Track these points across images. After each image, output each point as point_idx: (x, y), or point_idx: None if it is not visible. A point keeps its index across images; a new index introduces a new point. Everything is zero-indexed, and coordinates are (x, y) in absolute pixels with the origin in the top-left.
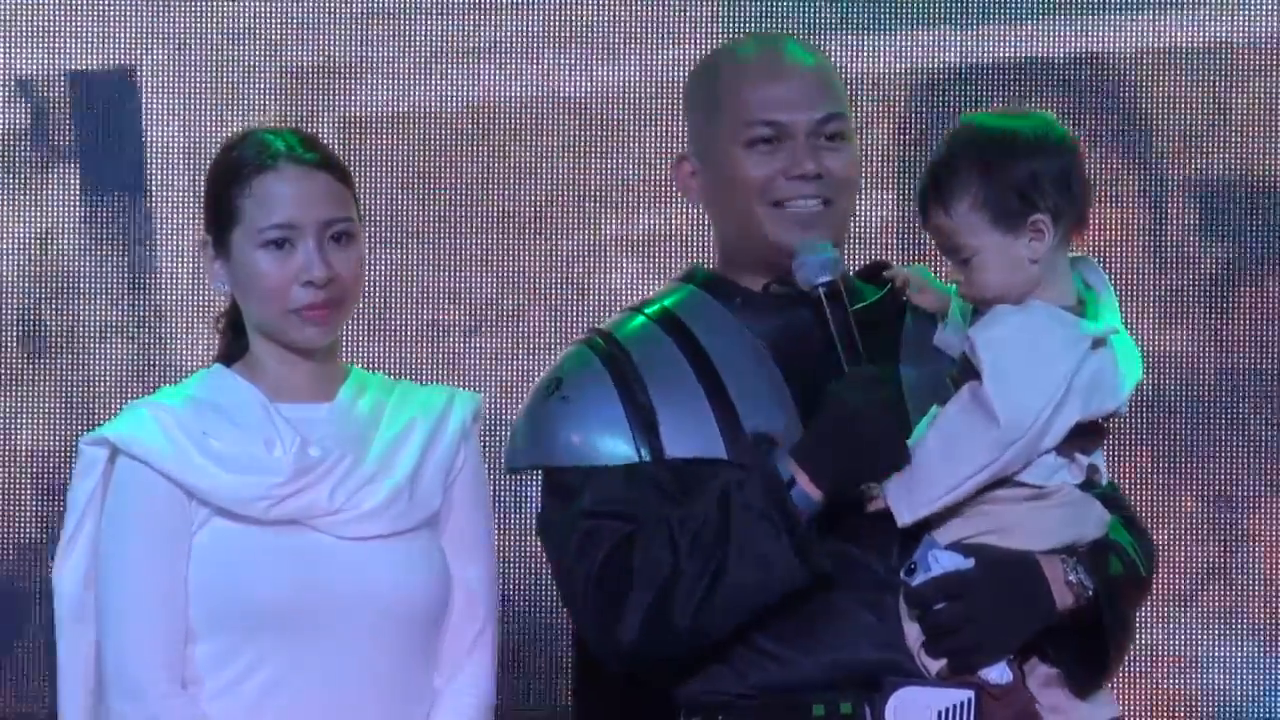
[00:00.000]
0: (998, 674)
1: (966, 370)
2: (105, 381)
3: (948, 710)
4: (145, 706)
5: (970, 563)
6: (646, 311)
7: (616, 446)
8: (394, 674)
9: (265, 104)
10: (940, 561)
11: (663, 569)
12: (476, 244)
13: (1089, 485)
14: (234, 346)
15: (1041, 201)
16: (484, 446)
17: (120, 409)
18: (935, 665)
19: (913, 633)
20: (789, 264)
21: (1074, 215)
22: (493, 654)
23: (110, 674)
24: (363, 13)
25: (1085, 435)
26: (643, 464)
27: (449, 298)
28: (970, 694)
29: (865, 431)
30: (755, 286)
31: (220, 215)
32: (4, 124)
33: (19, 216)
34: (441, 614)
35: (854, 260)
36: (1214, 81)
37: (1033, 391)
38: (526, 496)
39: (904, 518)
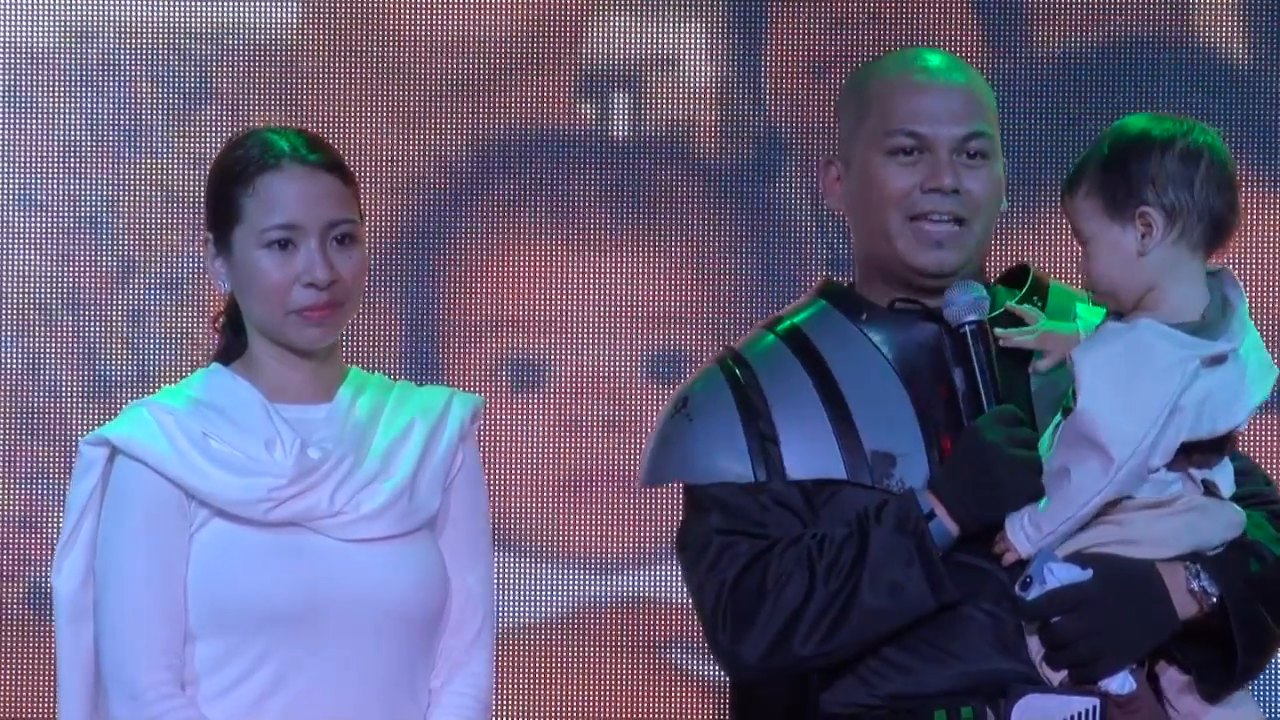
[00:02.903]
0: (1119, 684)
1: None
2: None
3: (1073, 718)
4: (144, 708)
5: (1088, 574)
6: (777, 330)
7: (733, 465)
8: (392, 676)
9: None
10: (1055, 574)
11: (797, 591)
12: (476, 246)
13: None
14: (232, 345)
15: (1151, 194)
16: (482, 448)
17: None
18: (1056, 676)
19: (1034, 643)
20: (916, 281)
21: (1199, 220)
22: (491, 654)
23: (109, 675)
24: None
25: (1200, 452)
26: (768, 483)
27: (448, 299)
28: (1095, 702)
29: (1003, 471)
30: (882, 301)
31: (222, 214)
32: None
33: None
34: (440, 616)
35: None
36: None
37: (1132, 417)
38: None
39: (1026, 550)
